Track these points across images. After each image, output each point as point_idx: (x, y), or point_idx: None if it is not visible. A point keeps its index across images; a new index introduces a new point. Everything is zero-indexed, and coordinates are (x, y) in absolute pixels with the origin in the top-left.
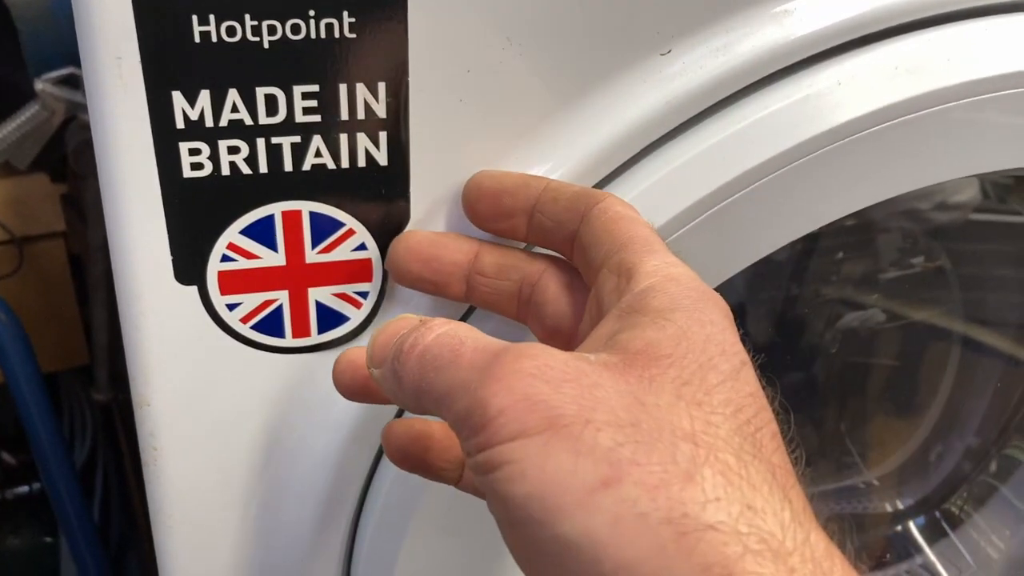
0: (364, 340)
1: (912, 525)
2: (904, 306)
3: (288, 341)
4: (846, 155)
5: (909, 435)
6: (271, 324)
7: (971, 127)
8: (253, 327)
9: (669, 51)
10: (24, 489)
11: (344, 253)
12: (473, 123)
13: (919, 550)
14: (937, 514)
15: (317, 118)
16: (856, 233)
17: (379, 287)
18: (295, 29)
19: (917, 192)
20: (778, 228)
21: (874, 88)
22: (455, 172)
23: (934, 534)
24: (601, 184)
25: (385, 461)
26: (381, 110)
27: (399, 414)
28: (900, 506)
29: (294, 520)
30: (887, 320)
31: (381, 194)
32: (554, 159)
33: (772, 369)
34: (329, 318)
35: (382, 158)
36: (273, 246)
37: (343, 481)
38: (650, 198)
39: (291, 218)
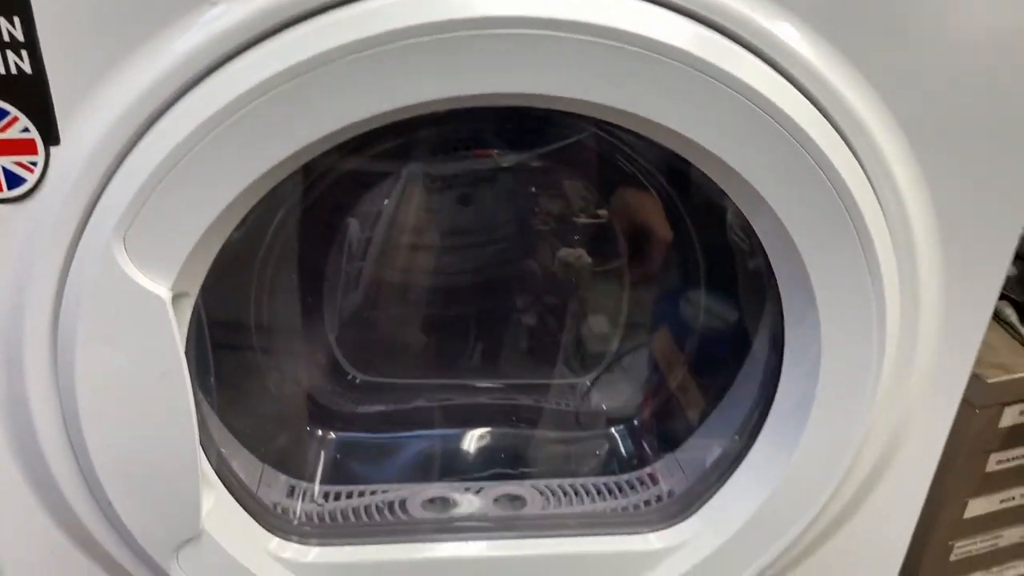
0: (40, 195)
1: (615, 431)
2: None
3: None
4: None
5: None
6: None
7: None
8: None
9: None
10: None
11: (15, 133)
12: (86, 41)
13: (629, 456)
14: (635, 423)
15: None
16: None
17: (43, 159)
18: None
19: None
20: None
21: None
22: (83, 74)
23: (639, 442)
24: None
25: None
26: (19, 34)
27: None
28: (604, 407)
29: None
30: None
31: (31, 91)
32: (143, 78)
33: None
34: (13, 179)
35: (27, 67)
36: None
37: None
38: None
39: None
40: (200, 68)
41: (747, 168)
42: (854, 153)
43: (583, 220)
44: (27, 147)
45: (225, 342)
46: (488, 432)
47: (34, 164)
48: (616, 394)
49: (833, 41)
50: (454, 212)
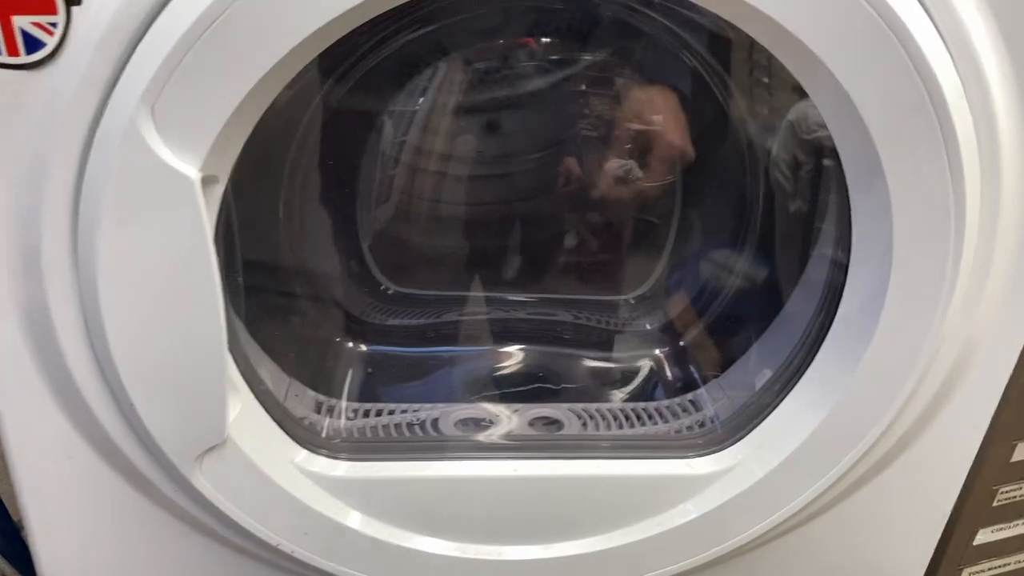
0: (62, 59)
1: (659, 353)
2: None
3: (5, 58)
4: None
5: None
6: None
7: None
8: None
9: None
10: None
11: None
12: None
13: (674, 380)
14: (680, 344)
15: None
16: None
17: (64, 20)
18: None
19: None
20: None
21: None
22: None
23: (683, 366)
24: None
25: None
26: None
27: None
28: (648, 327)
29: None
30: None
31: None
32: None
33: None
34: (31, 42)
35: None
36: None
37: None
38: None
39: None
40: None
41: (808, 35)
42: (939, 33)
43: (635, 127)
44: (46, 6)
45: (255, 248)
46: (524, 350)
47: (54, 25)
48: (660, 315)
49: None
50: (492, 116)
